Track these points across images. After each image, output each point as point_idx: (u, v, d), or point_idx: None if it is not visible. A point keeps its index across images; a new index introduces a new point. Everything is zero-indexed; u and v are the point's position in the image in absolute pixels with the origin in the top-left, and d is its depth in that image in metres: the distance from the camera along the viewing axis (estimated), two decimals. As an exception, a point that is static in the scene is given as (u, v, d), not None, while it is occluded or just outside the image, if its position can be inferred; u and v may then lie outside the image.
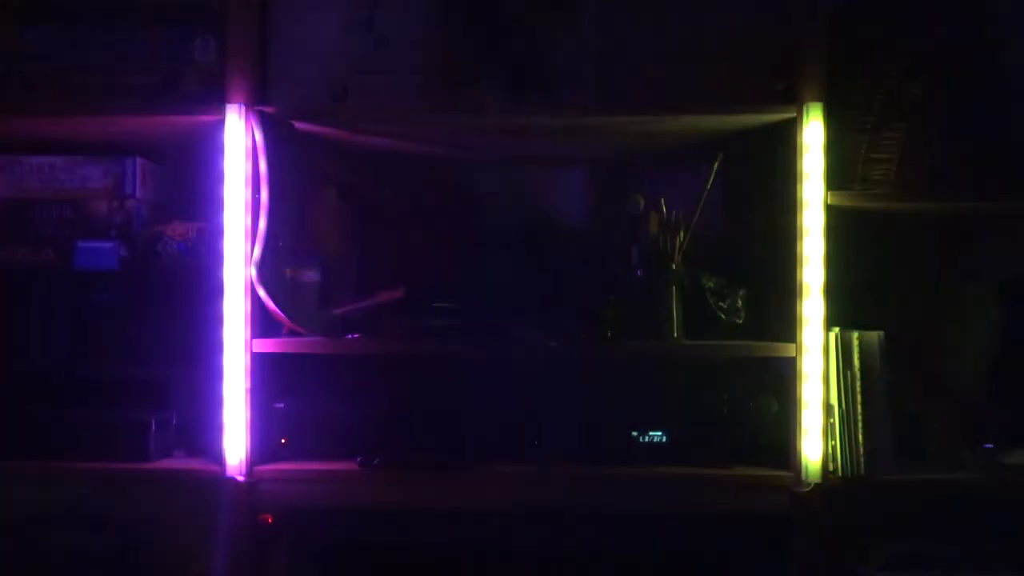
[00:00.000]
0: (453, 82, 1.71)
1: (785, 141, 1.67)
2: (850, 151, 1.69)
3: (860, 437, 1.64)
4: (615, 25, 1.72)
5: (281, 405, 1.74)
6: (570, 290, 1.83)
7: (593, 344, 1.72)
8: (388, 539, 1.78)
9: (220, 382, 1.65)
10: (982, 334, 1.88)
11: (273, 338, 1.69)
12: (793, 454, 1.65)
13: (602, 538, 1.77)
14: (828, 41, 1.64)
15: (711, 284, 1.76)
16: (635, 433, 1.73)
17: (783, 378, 1.68)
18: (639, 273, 1.74)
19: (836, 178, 1.65)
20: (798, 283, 1.64)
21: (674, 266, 1.73)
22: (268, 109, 1.68)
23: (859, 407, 1.64)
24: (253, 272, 1.65)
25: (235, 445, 1.65)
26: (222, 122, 1.66)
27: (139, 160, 1.82)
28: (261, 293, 1.65)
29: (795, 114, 1.64)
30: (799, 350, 1.64)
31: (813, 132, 1.63)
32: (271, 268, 1.67)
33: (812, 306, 1.63)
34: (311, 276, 1.81)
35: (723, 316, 1.75)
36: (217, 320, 1.65)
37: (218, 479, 1.65)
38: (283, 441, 1.73)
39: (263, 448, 1.69)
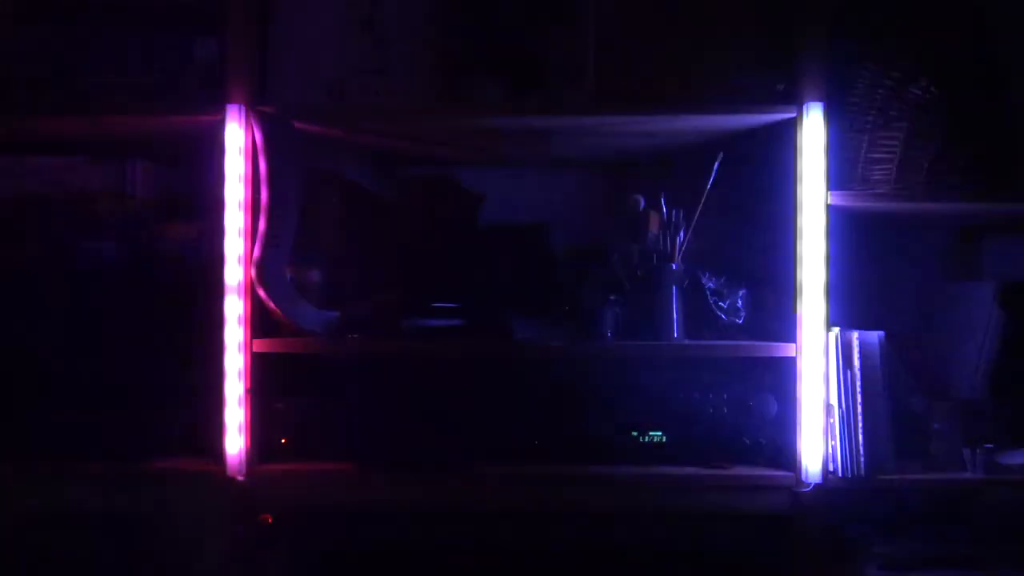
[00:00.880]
0: (453, 82, 1.71)
1: (785, 141, 1.67)
2: (850, 151, 1.69)
3: (860, 437, 1.64)
4: (615, 25, 1.72)
5: (281, 405, 1.74)
6: (570, 290, 1.83)
7: (593, 344, 1.72)
8: (388, 539, 1.78)
9: (220, 382, 1.65)
10: (982, 334, 1.87)
11: (273, 338, 1.69)
12: (793, 454, 1.65)
13: (602, 538, 1.77)
14: (828, 41, 1.64)
15: (711, 284, 1.76)
16: (635, 433, 1.73)
17: (783, 378, 1.68)
18: (639, 273, 1.74)
19: (836, 178, 1.65)
20: (798, 283, 1.64)
21: (674, 266, 1.73)
22: (268, 109, 1.68)
23: (859, 407, 1.64)
24: (253, 272, 1.65)
25: (235, 445, 1.65)
26: (222, 122, 1.66)
27: (139, 160, 1.82)
28: (261, 293, 1.65)
29: (795, 114, 1.64)
30: (799, 350, 1.64)
31: (813, 132, 1.63)
32: (271, 268, 1.67)
33: (812, 306, 1.63)
34: (311, 276, 1.81)
35: (723, 316, 1.75)
36: (217, 320, 1.65)
37: (218, 479, 1.65)
38: (283, 441, 1.73)
39: (263, 448, 1.69)
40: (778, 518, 1.65)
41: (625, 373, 1.79)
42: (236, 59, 1.67)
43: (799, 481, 1.64)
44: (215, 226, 1.68)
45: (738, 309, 1.76)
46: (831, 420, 1.65)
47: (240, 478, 1.65)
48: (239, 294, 1.65)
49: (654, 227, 1.75)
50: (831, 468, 1.65)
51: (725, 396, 1.73)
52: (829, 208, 1.64)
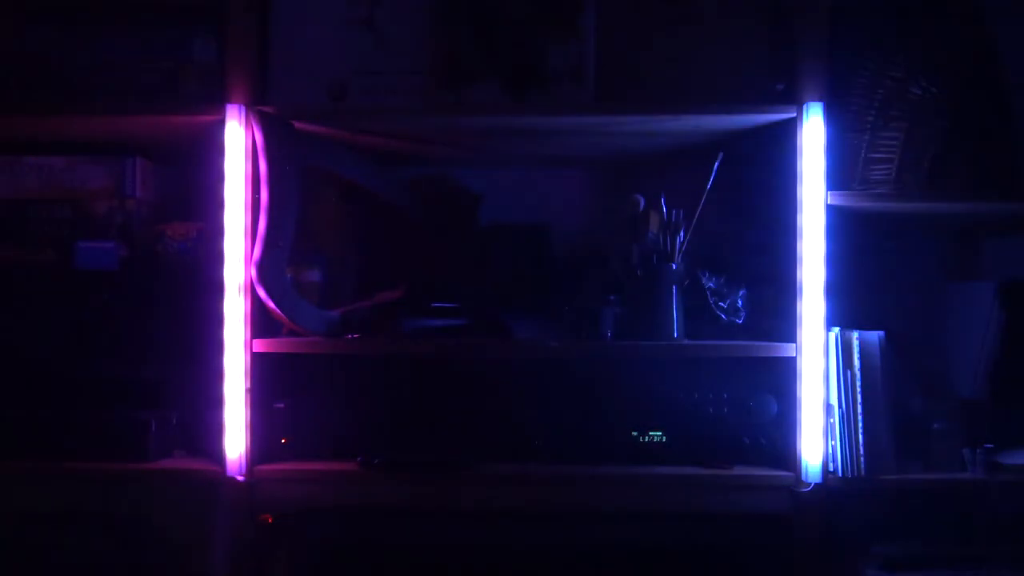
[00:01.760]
0: (453, 82, 1.71)
1: (785, 141, 1.67)
2: (850, 151, 1.69)
3: (860, 437, 1.64)
4: (615, 25, 1.72)
5: (281, 405, 1.74)
6: (570, 290, 1.83)
7: (593, 344, 1.72)
8: (388, 539, 1.78)
9: (220, 382, 1.65)
10: (982, 334, 1.87)
11: (273, 338, 1.69)
12: (793, 454, 1.65)
13: (602, 538, 1.77)
14: (828, 41, 1.64)
15: (711, 284, 1.76)
16: (635, 433, 1.73)
17: (783, 378, 1.68)
18: (639, 273, 1.74)
19: (836, 178, 1.65)
20: (798, 283, 1.64)
21: (674, 266, 1.73)
22: (268, 109, 1.68)
23: (859, 407, 1.64)
24: (253, 272, 1.65)
25: (235, 445, 1.65)
26: (222, 122, 1.66)
27: (139, 160, 1.82)
28: (261, 293, 1.65)
29: (795, 114, 1.64)
30: (799, 350, 1.64)
31: (813, 132, 1.63)
32: (271, 268, 1.67)
33: (812, 306, 1.63)
34: (311, 276, 1.81)
35: (723, 316, 1.75)
36: (217, 320, 1.65)
37: (218, 479, 1.65)
38: (283, 441, 1.73)
39: (263, 448, 1.69)
40: (778, 518, 1.65)
41: (625, 373, 1.79)
42: (236, 59, 1.67)
43: (799, 481, 1.64)
44: (215, 226, 1.68)
45: (738, 309, 1.76)
46: (831, 420, 1.65)
47: (240, 478, 1.65)
48: (239, 294, 1.65)
49: (654, 227, 1.75)
50: (831, 468, 1.65)
51: (725, 396, 1.73)
52: (829, 208, 1.64)
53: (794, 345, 1.65)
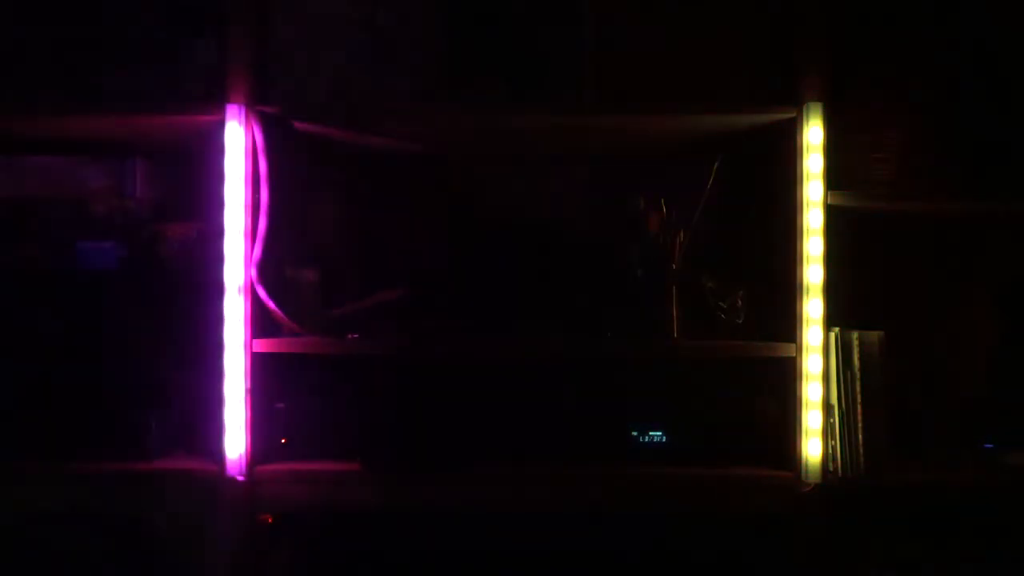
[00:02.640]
0: (453, 81, 1.72)
1: (785, 141, 1.67)
2: (850, 151, 1.69)
3: (860, 437, 1.64)
4: (615, 25, 1.72)
5: (281, 405, 1.74)
6: (570, 290, 1.83)
7: (594, 344, 1.72)
8: (388, 539, 1.78)
9: (220, 382, 1.65)
10: (982, 334, 1.88)
11: (273, 338, 1.69)
12: (793, 454, 1.65)
13: (602, 538, 1.77)
14: (828, 41, 1.64)
15: (711, 284, 1.76)
16: (635, 433, 1.73)
17: (783, 378, 1.68)
18: (639, 273, 1.74)
19: (836, 178, 1.65)
20: (798, 283, 1.64)
21: (674, 266, 1.73)
22: (268, 109, 1.68)
23: (859, 407, 1.64)
24: (253, 272, 1.65)
25: (235, 445, 1.65)
26: (222, 122, 1.66)
27: (139, 160, 1.82)
28: (261, 293, 1.65)
29: (795, 114, 1.64)
30: (799, 350, 1.64)
31: (813, 132, 1.63)
32: (271, 268, 1.67)
33: (812, 306, 1.63)
34: (311, 276, 1.81)
35: (723, 316, 1.75)
36: (217, 320, 1.65)
37: (218, 479, 1.65)
38: (283, 441, 1.73)
39: (263, 448, 1.69)
40: (778, 518, 1.65)
41: (625, 373, 1.79)
42: (236, 59, 1.67)
43: (799, 481, 1.64)
44: (215, 226, 1.68)
45: (738, 309, 1.76)
46: (831, 420, 1.65)
47: (240, 478, 1.65)
48: (239, 294, 1.65)
49: (654, 227, 1.75)
50: (831, 468, 1.65)
51: (725, 396, 1.73)
52: (829, 208, 1.64)
53: (794, 345, 1.65)
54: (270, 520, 1.69)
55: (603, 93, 1.69)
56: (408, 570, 1.79)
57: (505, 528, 1.75)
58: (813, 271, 1.63)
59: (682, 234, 1.74)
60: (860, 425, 1.64)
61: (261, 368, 1.68)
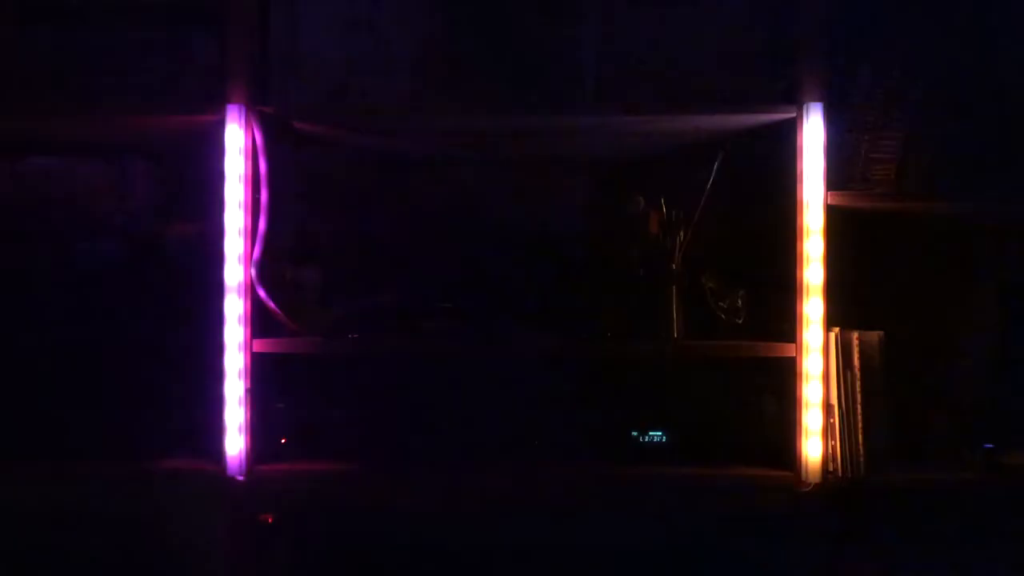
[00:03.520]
0: (453, 82, 1.71)
1: (785, 141, 1.67)
2: (850, 151, 1.69)
3: (860, 437, 1.64)
4: (615, 25, 1.72)
5: (281, 405, 1.74)
6: (570, 290, 1.83)
7: (593, 344, 1.72)
8: (387, 538, 1.78)
9: (220, 382, 1.65)
10: (982, 334, 1.87)
11: (273, 338, 1.69)
12: (793, 454, 1.65)
13: (602, 538, 1.77)
14: (828, 41, 1.64)
15: (711, 284, 1.76)
16: (635, 433, 1.73)
17: (783, 378, 1.68)
18: (639, 273, 1.74)
19: (836, 178, 1.65)
20: (798, 283, 1.64)
21: (674, 266, 1.73)
22: (268, 109, 1.68)
23: (859, 407, 1.65)
24: (253, 272, 1.65)
25: (235, 445, 1.65)
26: (222, 122, 1.66)
27: (139, 160, 1.82)
28: (261, 293, 1.65)
29: (795, 114, 1.64)
30: (799, 350, 1.64)
31: (813, 132, 1.63)
32: (271, 268, 1.67)
33: (812, 306, 1.63)
34: (311, 276, 1.81)
35: (723, 316, 1.75)
36: (217, 320, 1.65)
37: (218, 479, 1.65)
38: (283, 441, 1.73)
39: (263, 448, 1.69)
40: (778, 518, 1.65)
41: (625, 373, 1.79)
42: (236, 59, 1.67)
43: (799, 481, 1.64)
44: (215, 226, 1.68)
45: (738, 309, 1.76)
46: (831, 420, 1.65)
47: (240, 478, 1.65)
48: (239, 294, 1.65)
49: (654, 227, 1.75)
50: (831, 468, 1.65)
51: (725, 396, 1.73)
52: (829, 208, 1.64)
53: (794, 345, 1.65)
54: (270, 520, 1.69)
55: (603, 93, 1.69)
56: (408, 570, 1.79)
57: (504, 526, 1.75)
58: (813, 271, 1.63)
59: (682, 234, 1.74)
60: (860, 425, 1.64)
61: (261, 368, 1.68)
